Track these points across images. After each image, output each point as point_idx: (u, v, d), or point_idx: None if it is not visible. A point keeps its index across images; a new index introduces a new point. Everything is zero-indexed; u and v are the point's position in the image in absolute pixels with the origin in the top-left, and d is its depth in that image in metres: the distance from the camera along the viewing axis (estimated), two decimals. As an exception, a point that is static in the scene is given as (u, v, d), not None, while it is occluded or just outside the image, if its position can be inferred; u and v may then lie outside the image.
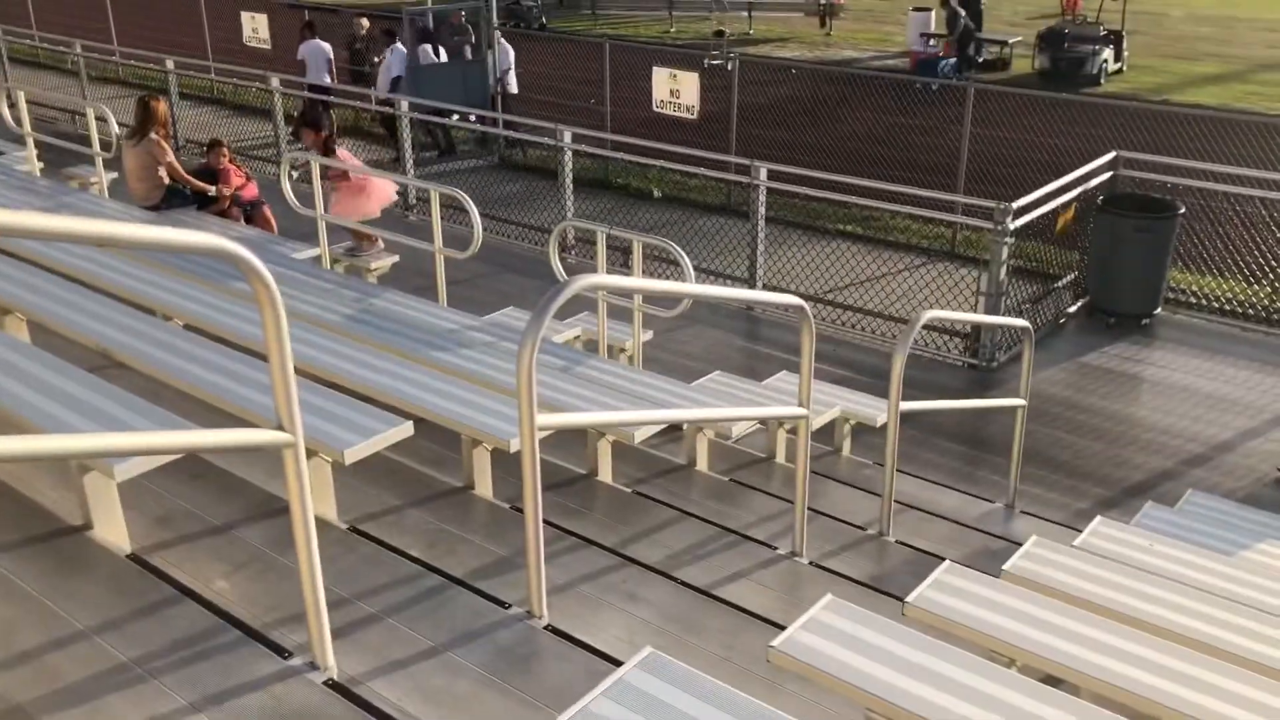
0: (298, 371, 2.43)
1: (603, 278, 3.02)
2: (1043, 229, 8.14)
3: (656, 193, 13.73)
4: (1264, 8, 28.49)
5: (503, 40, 15.40)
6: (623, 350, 6.42)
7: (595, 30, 23.18)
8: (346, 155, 8.55)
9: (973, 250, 10.28)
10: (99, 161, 8.98)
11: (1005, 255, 7.57)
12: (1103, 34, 20.30)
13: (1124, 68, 20.65)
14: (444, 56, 15.66)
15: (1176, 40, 23.92)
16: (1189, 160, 8.96)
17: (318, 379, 4.13)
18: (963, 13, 20.57)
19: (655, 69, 13.35)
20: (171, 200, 8.66)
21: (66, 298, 4.62)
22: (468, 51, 15.99)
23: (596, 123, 13.88)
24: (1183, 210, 8.33)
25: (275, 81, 12.59)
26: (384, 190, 8.46)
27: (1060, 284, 8.77)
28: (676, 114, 13.15)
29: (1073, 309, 8.86)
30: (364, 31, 17.04)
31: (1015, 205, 7.48)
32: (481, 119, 14.63)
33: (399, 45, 15.21)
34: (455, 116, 14.49)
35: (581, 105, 15.13)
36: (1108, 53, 20.05)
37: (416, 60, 15.21)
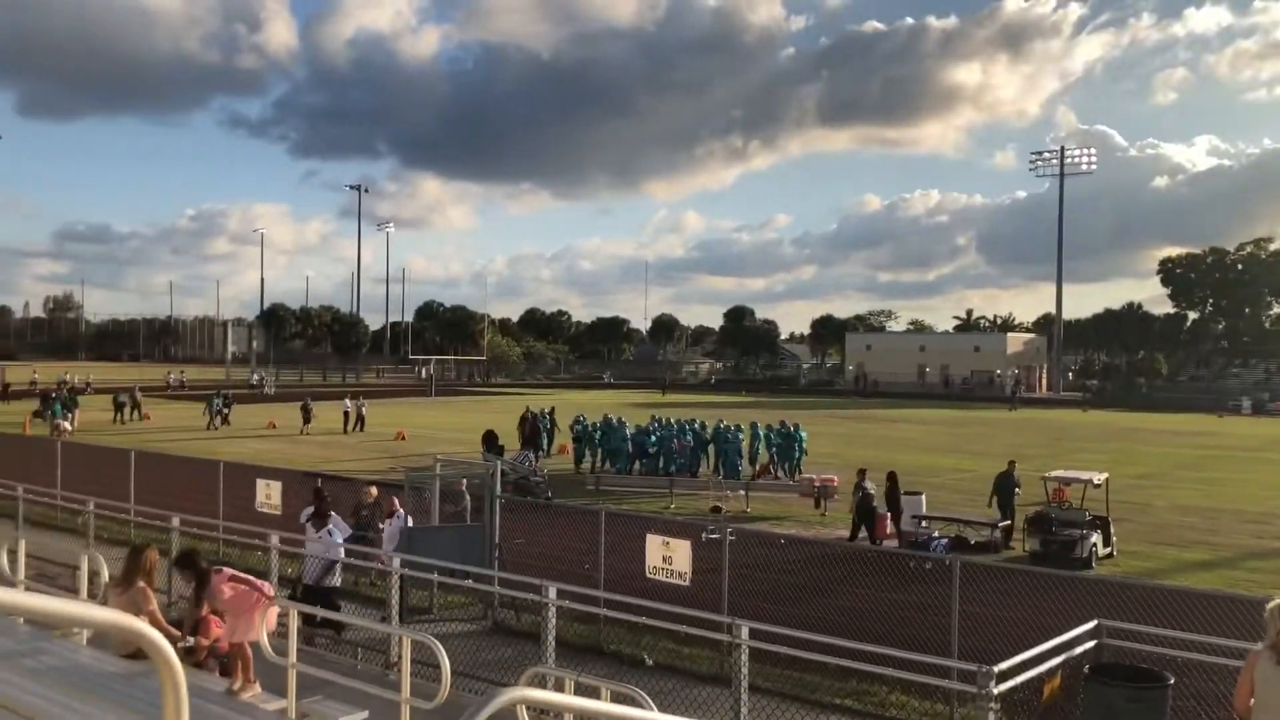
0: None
1: (532, 692, 2.96)
2: (1031, 701, 7.93)
3: (648, 660, 13.51)
4: (1245, 500, 29.51)
5: (401, 510, 15.58)
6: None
7: (597, 505, 23.93)
8: (225, 580, 8.41)
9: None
10: (84, 609, 9.02)
11: (992, 722, 7.33)
12: (1089, 519, 20.87)
13: (1114, 553, 21.01)
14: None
15: (1163, 528, 24.53)
16: (1175, 630, 8.88)
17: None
18: (869, 486, 21.81)
19: (649, 536, 13.70)
20: (149, 649, 8.57)
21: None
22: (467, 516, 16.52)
23: (591, 588, 13.97)
24: (1173, 680, 8.15)
25: (275, 539, 12.90)
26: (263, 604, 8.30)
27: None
28: (669, 580, 13.29)
29: (1074, 789, 8.41)
30: (371, 499, 17.66)
31: (998, 669, 7.36)
32: (477, 578, 14.74)
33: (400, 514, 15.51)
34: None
35: (577, 571, 15.31)
36: (1096, 537, 20.49)
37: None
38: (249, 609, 8.11)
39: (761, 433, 33.07)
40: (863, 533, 21.67)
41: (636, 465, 32.09)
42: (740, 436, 32.06)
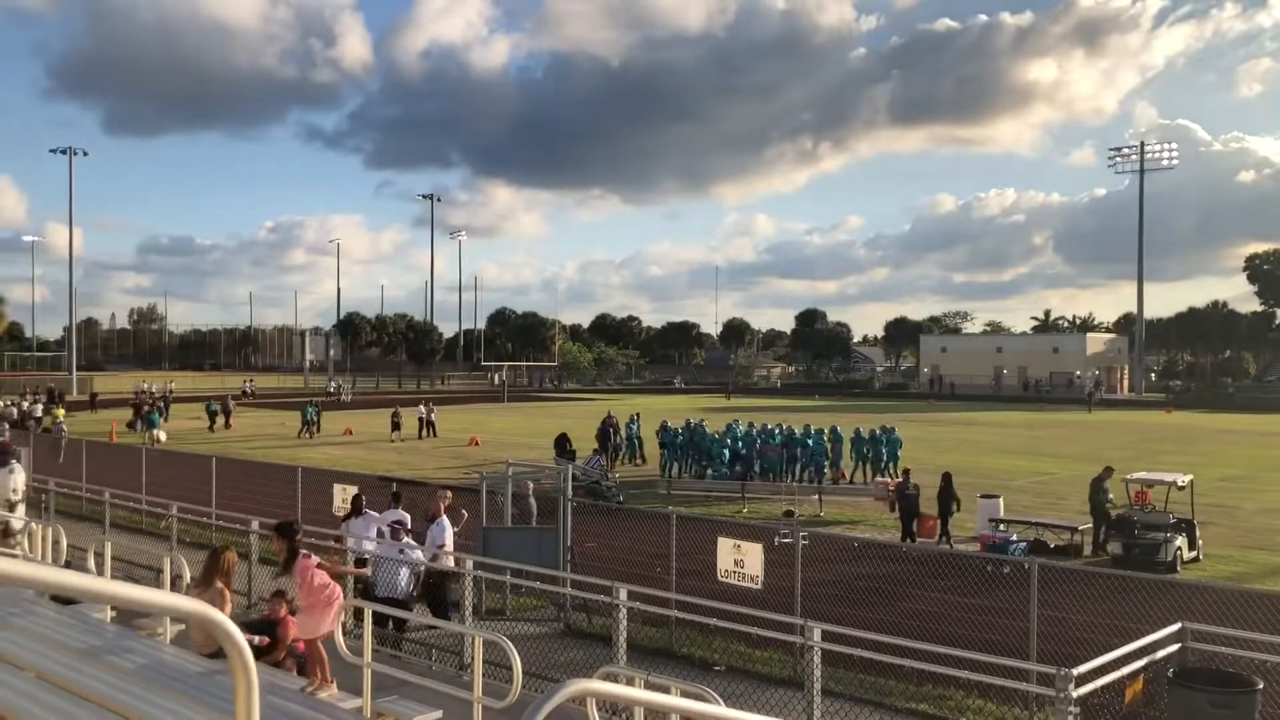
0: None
1: (597, 684, 2.97)
2: (1113, 705, 7.75)
3: (719, 665, 13.45)
4: (1340, 504, 28.49)
5: (445, 519, 15.40)
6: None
7: (668, 508, 23.96)
8: (313, 566, 8.53)
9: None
10: (168, 611, 9.24)
11: (1072, 727, 7.16)
12: (1174, 522, 20.33)
13: (1199, 556, 20.44)
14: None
15: (1251, 532, 23.82)
16: (1264, 634, 8.60)
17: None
18: (912, 487, 22.47)
19: (720, 539, 13.66)
20: (230, 648, 8.73)
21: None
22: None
23: (663, 591, 13.95)
24: (1261, 686, 7.90)
25: (350, 542, 13.11)
26: (338, 600, 8.43)
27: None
28: (741, 584, 13.23)
29: (1159, 796, 8.19)
30: (446, 503, 17.85)
31: (1077, 671, 7.20)
32: (549, 580, 14.80)
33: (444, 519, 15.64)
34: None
35: (649, 574, 15.30)
36: (1180, 541, 19.96)
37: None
38: (324, 603, 8.25)
39: (845, 436, 32.66)
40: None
41: (735, 468, 31.64)
42: (824, 440, 31.71)
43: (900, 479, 23.28)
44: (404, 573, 13.33)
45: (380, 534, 15.13)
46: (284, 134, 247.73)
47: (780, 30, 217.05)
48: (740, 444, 31.92)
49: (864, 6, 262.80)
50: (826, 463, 31.18)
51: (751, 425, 33.87)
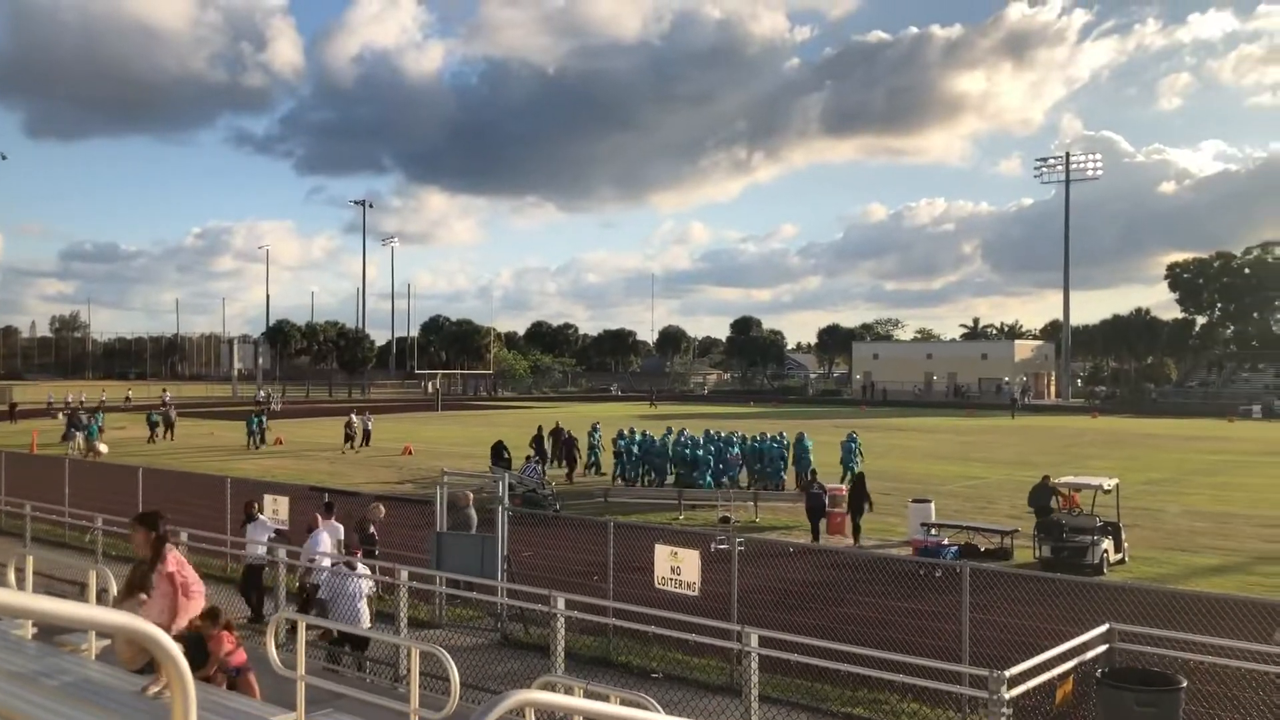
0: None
1: (537, 694, 2.96)
2: (1044, 705, 7.89)
3: (657, 673, 13.46)
4: (1259, 505, 29.36)
5: (322, 527, 15.37)
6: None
7: (605, 517, 23.94)
8: (178, 559, 8.31)
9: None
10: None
11: (1005, 728, 7.28)
12: (1100, 525, 20.78)
13: (1125, 558, 20.92)
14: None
15: (1174, 534, 24.42)
16: (1187, 633, 8.83)
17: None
18: (816, 487, 23.94)
19: (657, 546, 13.66)
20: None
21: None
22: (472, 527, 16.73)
23: (600, 599, 13.93)
24: (1185, 684, 8.10)
25: (282, 553, 12.90)
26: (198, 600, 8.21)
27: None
28: (678, 590, 13.24)
29: (1089, 795, 8.36)
30: (380, 515, 17.65)
31: (1009, 673, 7.32)
32: (483, 588, 14.71)
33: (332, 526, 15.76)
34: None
35: (586, 583, 15.29)
36: (1107, 543, 20.40)
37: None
38: (178, 592, 7.93)
39: (809, 443, 32.79)
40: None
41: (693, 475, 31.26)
42: (781, 446, 31.88)
43: (809, 478, 24.62)
44: (363, 604, 13.02)
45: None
46: (213, 138, 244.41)
47: (715, 40, 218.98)
48: (688, 452, 31.76)
49: (798, 17, 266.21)
50: (783, 467, 31.45)
51: (706, 433, 33.74)
